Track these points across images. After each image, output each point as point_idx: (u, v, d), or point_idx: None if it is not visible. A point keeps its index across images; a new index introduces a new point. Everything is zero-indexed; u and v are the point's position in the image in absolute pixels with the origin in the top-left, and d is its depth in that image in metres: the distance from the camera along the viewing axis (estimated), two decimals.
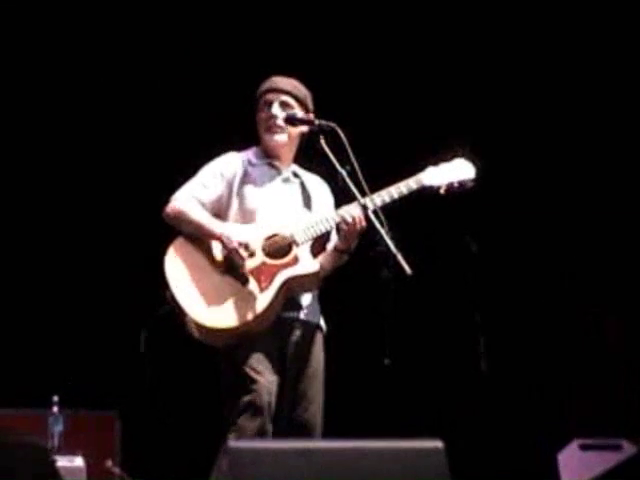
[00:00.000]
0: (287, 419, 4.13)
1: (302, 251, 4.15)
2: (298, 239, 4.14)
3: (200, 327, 4.06)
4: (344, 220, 4.10)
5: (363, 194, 4.06)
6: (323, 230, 4.16)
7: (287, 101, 4.30)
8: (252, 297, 4.06)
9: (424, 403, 6.47)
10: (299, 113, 4.28)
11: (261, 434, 3.98)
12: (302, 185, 4.38)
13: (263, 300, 4.07)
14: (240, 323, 4.03)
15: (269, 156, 4.35)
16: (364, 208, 4.01)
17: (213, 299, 4.06)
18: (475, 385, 6.12)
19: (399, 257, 3.80)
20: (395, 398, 6.27)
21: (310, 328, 4.26)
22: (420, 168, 4.33)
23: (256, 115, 4.37)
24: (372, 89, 6.63)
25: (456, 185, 4.32)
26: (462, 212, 5.76)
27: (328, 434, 4.15)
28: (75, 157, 6.49)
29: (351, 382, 6.23)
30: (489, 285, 6.36)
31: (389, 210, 4.10)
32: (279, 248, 4.14)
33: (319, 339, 4.28)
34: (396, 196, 4.20)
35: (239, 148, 4.42)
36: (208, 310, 4.04)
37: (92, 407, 5.80)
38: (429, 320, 6.69)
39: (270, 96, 4.32)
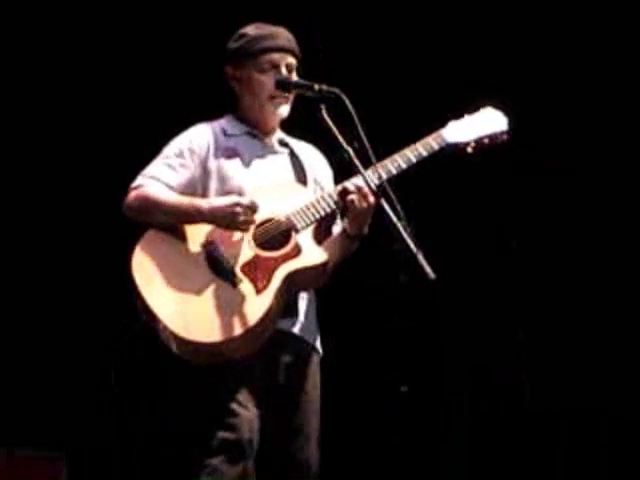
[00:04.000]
0: (277, 459, 3.55)
1: (304, 239, 3.51)
2: (297, 224, 3.51)
3: (180, 341, 3.40)
4: (347, 190, 3.48)
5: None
6: (327, 210, 3.54)
7: (292, 64, 3.71)
8: (248, 301, 3.40)
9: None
10: (294, 76, 3.69)
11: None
12: (292, 155, 3.78)
13: (261, 304, 3.40)
14: (234, 335, 3.37)
15: (250, 125, 3.75)
16: (377, 196, 3.36)
17: (197, 305, 3.41)
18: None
19: (420, 257, 3.19)
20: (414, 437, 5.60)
21: (306, 348, 3.64)
22: (440, 124, 3.74)
23: (244, 75, 3.72)
24: (372, 33, 5.90)
25: (486, 140, 3.74)
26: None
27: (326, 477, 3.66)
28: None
29: (355, 416, 5.66)
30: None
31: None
32: (274, 237, 3.51)
33: (315, 362, 3.68)
34: (414, 159, 3.59)
35: (207, 119, 3.80)
36: (190, 320, 3.39)
37: (34, 445, 5.21)
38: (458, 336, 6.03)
39: (276, 56, 3.68)
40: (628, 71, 5.95)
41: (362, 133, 3.35)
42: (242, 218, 3.42)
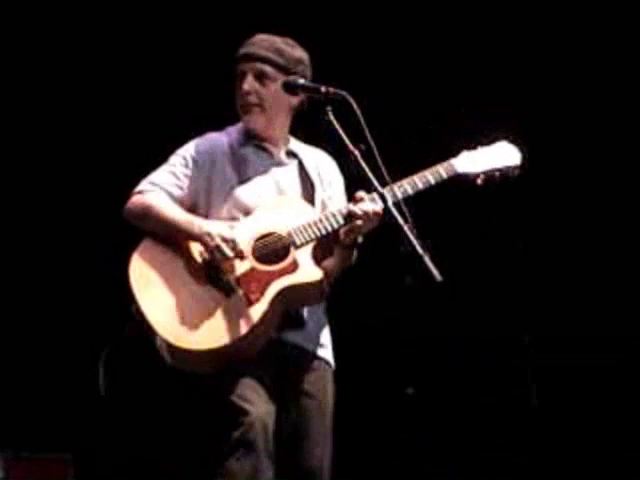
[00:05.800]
0: (286, 464, 3.51)
1: (302, 255, 3.52)
2: (297, 240, 3.51)
3: (173, 350, 3.44)
4: (356, 217, 3.48)
5: (381, 180, 3.42)
6: (329, 229, 3.53)
7: (264, 71, 3.63)
8: (239, 311, 3.43)
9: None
10: (300, 79, 3.61)
11: (256, 477, 3.36)
12: (300, 167, 3.74)
13: (252, 315, 3.43)
14: (223, 344, 3.42)
15: (256, 137, 3.70)
16: (382, 198, 3.34)
17: (189, 314, 3.46)
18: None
19: (426, 260, 3.17)
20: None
21: (314, 359, 3.63)
22: (452, 153, 3.73)
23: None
24: (391, 46, 5.89)
25: (497, 174, 3.75)
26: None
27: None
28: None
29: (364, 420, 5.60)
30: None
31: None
32: (273, 251, 3.52)
33: (322, 369, 3.66)
34: (421, 187, 3.61)
35: (219, 126, 3.77)
36: (182, 328, 3.43)
37: (39, 448, 5.22)
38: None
39: (243, 66, 3.65)
40: (627, 70, 5.97)
41: (369, 136, 3.33)
42: (223, 251, 3.40)
